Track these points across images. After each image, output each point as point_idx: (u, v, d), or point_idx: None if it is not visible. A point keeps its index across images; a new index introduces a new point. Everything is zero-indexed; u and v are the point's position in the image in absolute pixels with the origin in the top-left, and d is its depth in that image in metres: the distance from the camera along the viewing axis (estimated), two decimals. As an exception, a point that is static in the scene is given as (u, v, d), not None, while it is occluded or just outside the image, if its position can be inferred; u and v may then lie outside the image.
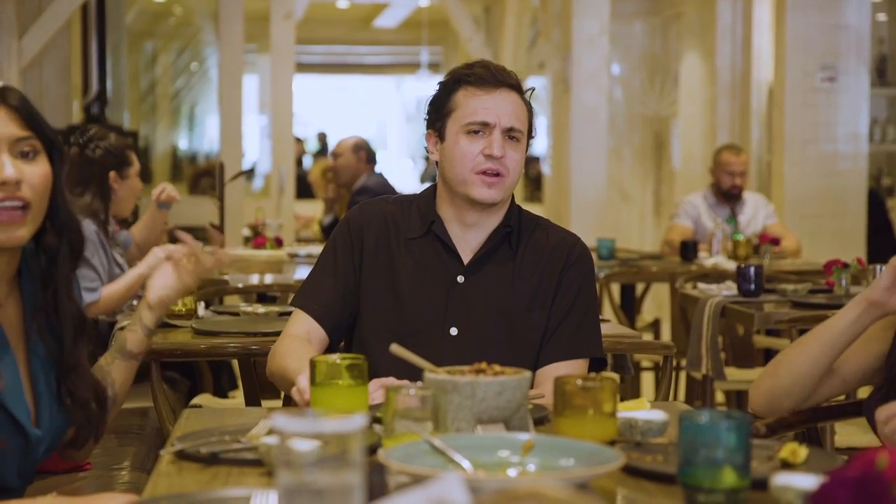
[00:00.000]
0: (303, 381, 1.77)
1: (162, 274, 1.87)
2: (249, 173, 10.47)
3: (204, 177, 8.68)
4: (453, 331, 2.07)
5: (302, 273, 4.31)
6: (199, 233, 6.10)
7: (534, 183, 9.61)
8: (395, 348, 1.64)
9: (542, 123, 7.07)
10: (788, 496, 1.26)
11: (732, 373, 4.17)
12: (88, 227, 3.48)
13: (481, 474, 1.32)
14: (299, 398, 1.79)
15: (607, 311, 4.71)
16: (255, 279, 4.14)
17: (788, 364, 1.93)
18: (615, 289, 5.09)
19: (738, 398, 4.48)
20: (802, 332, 2.08)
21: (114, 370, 1.82)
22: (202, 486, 1.40)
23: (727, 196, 5.54)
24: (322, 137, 14.32)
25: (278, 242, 4.95)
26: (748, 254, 4.98)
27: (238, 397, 3.76)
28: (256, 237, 5.15)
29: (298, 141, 11.33)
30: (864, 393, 2.24)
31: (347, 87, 16.52)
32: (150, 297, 1.85)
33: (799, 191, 6.16)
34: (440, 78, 2.20)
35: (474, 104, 2.06)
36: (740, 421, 1.27)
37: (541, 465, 1.38)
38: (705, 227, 5.47)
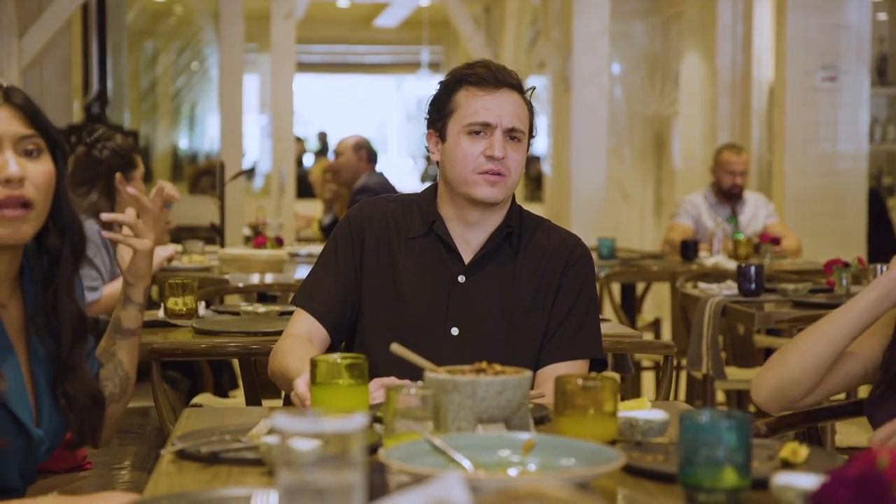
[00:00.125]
0: (301, 386, 1.77)
1: (124, 249, 1.88)
2: (250, 173, 10.47)
3: (204, 176, 8.68)
4: (454, 330, 2.07)
5: (302, 272, 4.31)
6: (199, 232, 6.10)
7: (534, 182, 9.61)
8: (396, 348, 1.64)
9: (542, 123, 7.07)
10: (789, 496, 1.26)
11: (733, 372, 4.17)
12: (92, 226, 3.49)
13: (482, 474, 1.32)
14: (299, 404, 1.79)
15: (608, 311, 4.71)
16: (255, 279, 4.14)
17: (799, 351, 1.90)
18: (616, 288, 5.09)
19: (738, 398, 4.48)
20: (799, 334, 2.07)
21: (118, 351, 1.82)
22: (203, 486, 1.40)
23: (728, 195, 5.54)
24: (322, 137, 14.33)
25: (279, 242, 4.95)
26: (749, 253, 4.98)
27: (238, 397, 3.76)
28: (257, 237, 5.15)
29: (299, 140, 11.33)
30: (864, 393, 2.24)
31: (348, 86, 16.52)
32: (127, 274, 1.85)
33: (799, 190, 6.16)
34: (441, 77, 2.20)
35: (475, 105, 2.06)
36: (741, 420, 1.27)
37: (541, 465, 1.38)
38: (706, 226, 5.47)
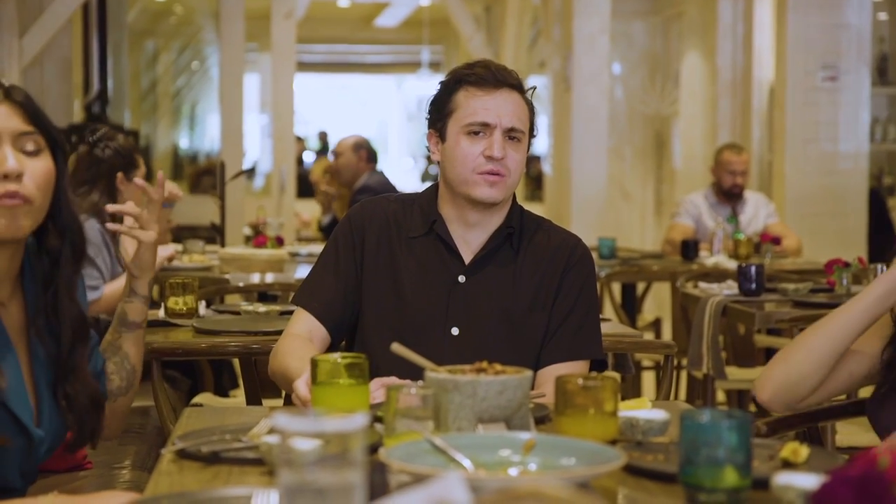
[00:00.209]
0: (302, 387, 1.77)
1: (128, 243, 1.88)
2: (250, 172, 10.47)
3: (205, 176, 8.68)
4: (454, 330, 2.07)
5: (303, 272, 4.31)
6: (198, 231, 6.10)
7: (535, 182, 9.61)
8: (397, 347, 1.64)
9: (542, 123, 7.07)
10: (790, 496, 1.26)
11: (733, 372, 4.17)
12: (93, 226, 3.49)
13: (482, 473, 1.32)
14: (300, 405, 1.79)
15: (608, 311, 4.71)
16: (255, 278, 4.14)
17: (805, 348, 1.89)
18: (616, 288, 5.09)
19: (739, 397, 4.48)
20: (803, 331, 2.06)
21: (124, 344, 1.83)
22: (203, 485, 1.40)
23: (728, 195, 5.54)
24: (323, 136, 14.33)
25: (279, 241, 4.95)
26: (749, 253, 4.98)
27: (239, 396, 3.76)
28: (257, 236, 5.15)
29: (299, 140, 11.33)
30: (864, 393, 2.24)
31: (348, 86, 16.52)
32: (132, 267, 1.86)
33: (800, 190, 6.16)
34: (441, 77, 2.19)
35: (475, 104, 2.06)
36: (742, 420, 1.27)
37: (542, 465, 1.38)
38: (706, 226, 5.47)
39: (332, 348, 2.13)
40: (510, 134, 2.06)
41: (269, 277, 4.19)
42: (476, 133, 2.06)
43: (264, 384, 2.61)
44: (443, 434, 1.40)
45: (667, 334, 5.54)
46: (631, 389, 4.34)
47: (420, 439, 1.36)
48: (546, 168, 7.46)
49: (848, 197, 6.21)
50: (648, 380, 5.48)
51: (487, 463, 1.38)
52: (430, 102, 2.14)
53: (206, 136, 11.49)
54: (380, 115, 16.54)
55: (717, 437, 1.26)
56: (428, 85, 13.08)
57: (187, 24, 11.10)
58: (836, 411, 2.13)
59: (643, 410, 1.63)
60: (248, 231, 5.99)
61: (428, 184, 2.27)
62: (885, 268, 2.10)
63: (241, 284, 3.82)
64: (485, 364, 1.56)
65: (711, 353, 3.75)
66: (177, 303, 2.86)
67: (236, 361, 3.47)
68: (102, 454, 2.53)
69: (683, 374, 4.88)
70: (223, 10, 7.03)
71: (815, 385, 1.90)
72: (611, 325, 2.88)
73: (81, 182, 3.54)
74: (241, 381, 3.25)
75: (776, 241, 5.13)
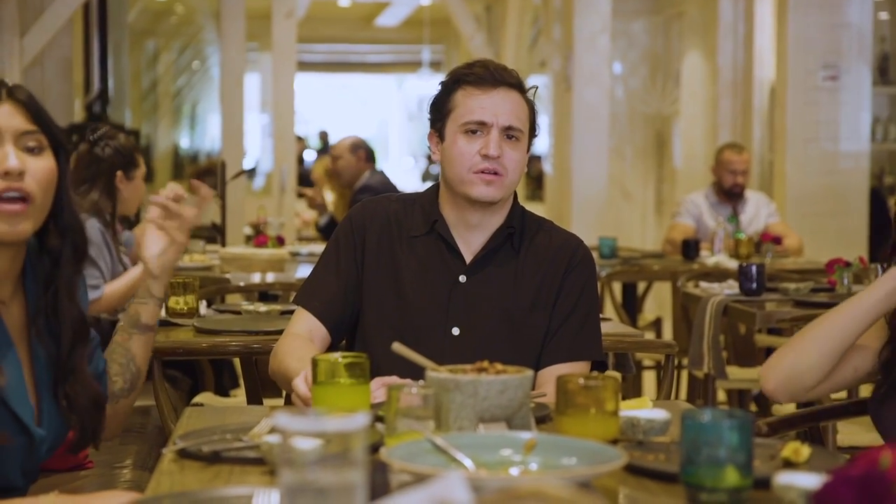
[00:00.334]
0: (301, 385, 1.77)
1: (153, 240, 1.84)
2: (251, 172, 10.47)
3: (205, 175, 8.67)
4: (455, 330, 2.07)
5: (303, 271, 4.31)
6: (200, 231, 6.10)
7: (535, 182, 9.61)
8: (398, 347, 1.64)
9: (543, 122, 7.06)
10: (791, 495, 1.26)
11: (734, 372, 4.17)
12: (94, 225, 3.49)
13: (483, 473, 1.32)
14: (301, 405, 1.79)
15: (609, 310, 4.71)
16: (256, 278, 4.14)
17: (813, 338, 1.90)
18: (617, 287, 5.09)
19: (739, 397, 4.48)
20: (811, 322, 2.06)
21: (133, 345, 1.81)
22: (204, 485, 1.40)
23: (729, 195, 5.53)
24: (324, 136, 14.33)
25: (280, 241, 4.95)
26: (750, 252, 4.97)
27: (239, 396, 3.76)
28: (258, 236, 5.15)
29: (300, 139, 11.33)
30: (865, 392, 2.23)
31: (349, 85, 16.53)
32: (152, 266, 1.83)
33: (801, 189, 6.16)
34: (441, 77, 2.19)
35: (472, 104, 2.06)
36: (743, 420, 1.27)
37: (543, 464, 1.38)
38: (707, 225, 5.47)
39: (332, 348, 2.13)
40: (508, 133, 2.06)
41: (270, 277, 4.19)
42: (474, 132, 2.05)
43: (265, 384, 2.61)
44: (444, 434, 1.40)
45: (667, 334, 5.54)
46: (632, 389, 4.34)
47: (421, 439, 1.36)
48: (547, 168, 7.45)
49: (849, 196, 6.21)
50: (649, 379, 5.48)
51: (488, 462, 1.37)
52: (430, 103, 2.14)
53: (206, 136, 11.49)
54: (380, 115, 16.54)
55: (718, 436, 1.26)
56: (428, 84, 13.10)
57: (188, 23, 11.10)
58: (837, 411, 2.13)
59: (644, 410, 1.63)
60: (248, 231, 5.99)
61: (429, 183, 2.27)
62: (883, 268, 2.10)
63: (241, 284, 3.82)
64: (486, 364, 1.56)
65: (712, 352, 3.75)
66: (178, 302, 2.86)
67: (237, 361, 3.47)
68: (103, 454, 2.53)
69: (684, 374, 4.88)
70: (224, 9, 7.03)
71: (820, 377, 1.90)
72: (611, 324, 2.88)
73: (81, 181, 3.53)
74: (241, 381, 3.25)
75: (777, 240, 5.13)
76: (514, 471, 1.37)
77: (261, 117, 12.67)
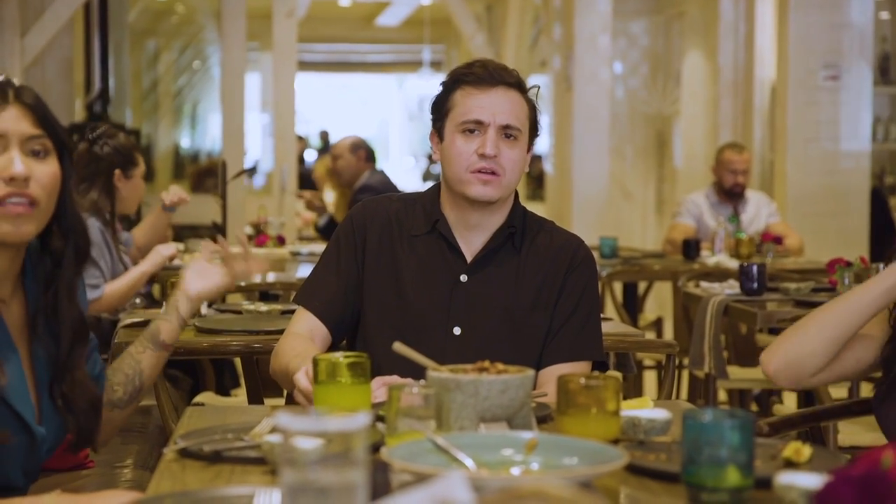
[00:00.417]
0: (302, 379, 1.77)
1: (204, 269, 1.87)
2: (251, 171, 10.47)
3: (206, 175, 8.68)
4: (456, 330, 2.07)
5: (304, 271, 4.31)
6: (201, 231, 6.11)
7: (536, 181, 9.61)
8: (399, 346, 1.64)
9: (544, 122, 7.06)
10: (792, 495, 1.26)
11: (735, 371, 4.17)
12: (94, 225, 3.49)
13: (485, 473, 1.31)
14: (302, 400, 1.79)
15: (610, 310, 4.71)
16: (257, 277, 4.13)
17: (818, 323, 1.90)
18: (618, 287, 5.09)
19: (740, 397, 4.48)
20: (816, 308, 2.06)
21: (144, 360, 1.82)
22: (205, 485, 1.40)
23: (729, 194, 5.53)
24: (325, 135, 14.33)
25: (280, 240, 4.96)
26: (751, 252, 4.97)
27: (240, 395, 3.76)
28: (259, 235, 5.15)
29: (301, 139, 11.33)
30: (866, 392, 2.24)
31: (349, 85, 16.53)
32: (190, 290, 1.85)
33: (801, 189, 6.16)
34: (442, 76, 2.20)
35: (469, 103, 2.06)
36: (744, 420, 1.27)
37: (544, 464, 1.38)
38: (708, 225, 5.47)
39: (333, 348, 2.13)
40: (506, 132, 2.05)
41: (271, 277, 4.19)
42: (471, 131, 2.05)
43: (266, 383, 2.61)
44: (445, 433, 1.40)
45: (668, 334, 5.54)
46: (632, 389, 4.34)
47: (422, 438, 1.36)
48: (547, 167, 7.45)
49: (850, 196, 6.20)
50: (650, 379, 5.48)
51: (490, 462, 1.37)
52: (431, 102, 2.15)
53: (207, 136, 11.49)
54: (381, 115, 16.55)
55: (719, 436, 1.26)
56: (429, 84, 13.11)
57: (189, 23, 11.10)
58: (838, 411, 2.13)
59: (645, 410, 1.63)
60: (249, 230, 5.99)
61: (430, 183, 2.27)
62: (883, 267, 2.11)
63: (242, 283, 3.82)
64: (487, 363, 1.56)
65: (713, 352, 3.75)
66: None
67: (238, 361, 3.47)
68: (104, 453, 2.53)
69: (685, 374, 4.88)
70: (224, 9, 7.03)
71: (821, 364, 1.90)
72: (612, 324, 2.88)
73: (80, 179, 3.54)
74: (242, 381, 3.25)
75: (778, 240, 5.13)
76: (515, 471, 1.37)
77: (261, 117, 12.66)
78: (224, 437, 1.58)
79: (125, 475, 2.42)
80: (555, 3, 6.94)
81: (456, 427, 1.48)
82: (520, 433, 1.46)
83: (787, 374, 1.93)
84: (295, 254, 5.12)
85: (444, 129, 2.10)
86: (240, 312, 3.08)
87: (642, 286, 5.41)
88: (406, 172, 14.96)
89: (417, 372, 1.63)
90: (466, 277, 2.09)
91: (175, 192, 4.05)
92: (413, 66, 14.25)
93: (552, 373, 2.02)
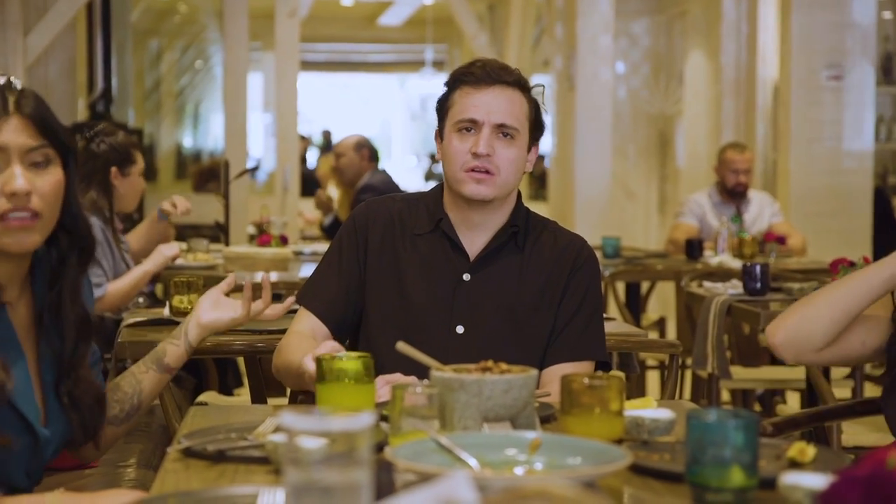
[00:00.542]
0: (310, 364, 1.78)
1: (220, 300, 1.87)
2: (254, 171, 10.47)
3: (209, 175, 8.68)
4: (459, 329, 2.07)
5: (307, 271, 4.30)
6: (202, 230, 6.11)
7: (538, 181, 9.61)
8: (402, 346, 1.64)
9: (546, 121, 7.05)
10: (797, 495, 1.25)
11: (738, 371, 4.17)
12: (95, 224, 3.48)
13: (488, 473, 1.31)
14: (311, 384, 1.79)
15: (612, 310, 4.70)
16: (260, 277, 4.13)
17: (827, 299, 1.91)
18: (620, 287, 5.08)
19: (743, 397, 4.47)
20: (825, 285, 2.07)
21: (146, 380, 1.82)
22: (209, 484, 1.40)
23: (732, 194, 5.53)
24: (327, 135, 14.34)
25: (283, 240, 4.95)
26: (754, 252, 4.97)
27: (243, 395, 3.76)
28: (261, 235, 5.15)
29: (303, 139, 11.33)
30: (869, 392, 2.23)
31: (352, 84, 16.54)
32: (203, 318, 1.86)
33: (804, 189, 6.15)
34: (444, 76, 2.20)
35: (466, 102, 2.06)
36: (748, 420, 1.27)
37: (548, 464, 1.38)
38: (710, 225, 5.47)
39: (335, 347, 2.13)
40: (502, 131, 2.05)
41: (273, 276, 4.18)
42: (467, 130, 2.05)
43: (269, 383, 2.61)
44: (448, 433, 1.40)
45: (671, 334, 5.53)
46: (635, 389, 4.33)
47: (426, 438, 1.36)
48: (550, 167, 7.45)
49: (853, 196, 6.20)
50: (653, 379, 5.48)
51: (493, 462, 1.37)
52: (436, 103, 2.15)
53: (209, 135, 11.49)
54: (383, 114, 16.55)
55: (723, 436, 1.26)
56: (431, 84, 13.11)
57: (191, 23, 11.10)
58: (842, 411, 2.13)
59: (649, 410, 1.63)
60: (252, 230, 5.99)
61: (432, 183, 2.27)
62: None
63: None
64: (490, 363, 1.55)
65: (716, 352, 3.74)
66: (181, 301, 2.86)
67: (241, 360, 3.47)
68: (108, 452, 2.53)
69: (688, 374, 4.87)
70: (227, 8, 7.03)
71: (826, 339, 1.90)
72: (615, 324, 2.88)
73: (78, 178, 3.53)
74: (245, 380, 3.25)
75: (781, 240, 5.12)
76: (518, 470, 1.37)
77: (264, 116, 12.67)
78: (227, 436, 1.58)
79: (129, 474, 2.42)
80: (557, 2, 6.94)
81: (459, 427, 1.48)
82: (523, 433, 1.45)
83: (789, 348, 1.93)
84: (297, 253, 5.12)
85: (443, 128, 2.10)
86: (243, 312, 3.07)
87: (645, 286, 5.41)
88: (408, 172, 14.97)
89: (421, 371, 1.63)
90: (469, 276, 2.09)
91: (181, 204, 3.99)
92: (415, 65, 14.26)
93: (555, 372, 2.02)
